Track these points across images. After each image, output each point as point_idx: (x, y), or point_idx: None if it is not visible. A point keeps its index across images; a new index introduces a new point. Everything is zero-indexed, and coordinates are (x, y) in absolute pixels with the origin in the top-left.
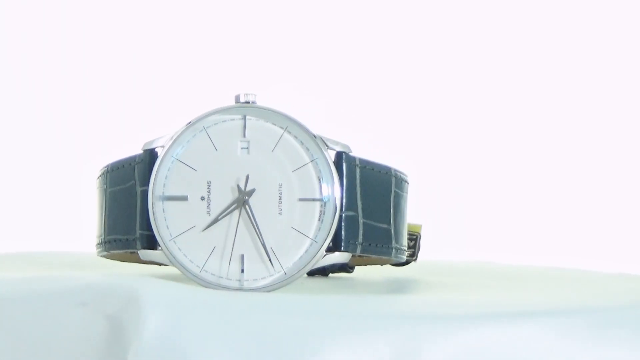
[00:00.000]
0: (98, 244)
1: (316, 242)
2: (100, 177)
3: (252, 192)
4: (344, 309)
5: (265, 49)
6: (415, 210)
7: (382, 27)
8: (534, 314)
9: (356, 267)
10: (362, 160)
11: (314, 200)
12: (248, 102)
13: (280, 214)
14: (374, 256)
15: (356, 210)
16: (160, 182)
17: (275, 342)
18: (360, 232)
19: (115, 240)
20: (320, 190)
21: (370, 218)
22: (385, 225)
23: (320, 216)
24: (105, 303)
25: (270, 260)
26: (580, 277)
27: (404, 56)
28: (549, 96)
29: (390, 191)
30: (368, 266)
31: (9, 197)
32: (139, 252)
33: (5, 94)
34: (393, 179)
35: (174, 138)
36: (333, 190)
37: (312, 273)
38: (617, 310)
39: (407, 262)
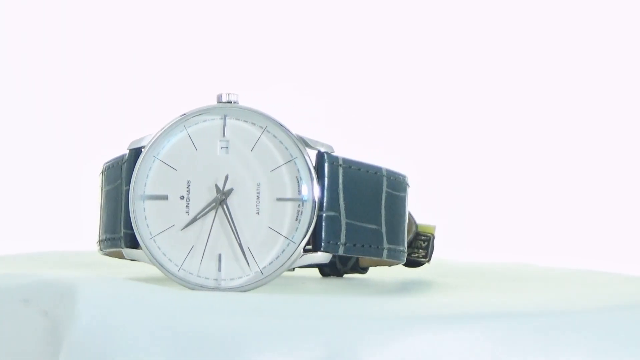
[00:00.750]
0: (96, 242)
1: (293, 242)
2: (99, 176)
3: (230, 191)
4: (279, 311)
5: (265, 48)
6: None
7: (383, 28)
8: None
9: (370, 268)
10: (346, 160)
11: (291, 200)
12: (230, 102)
13: (257, 213)
14: (365, 257)
15: (338, 211)
16: (141, 182)
17: (205, 342)
18: (343, 232)
19: (107, 239)
20: (299, 190)
21: (354, 218)
22: (373, 226)
23: (297, 216)
24: (43, 300)
25: (246, 260)
26: (579, 278)
27: (405, 57)
28: (549, 96)
29: (381, 191)
30: (386, 267)
31: (14, 198)
32: (123, 250)
33: (5, 94)
34: (384, 180)
35: (155, 138)
36: (312, 190)
37: (326, 274)
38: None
39: (420, 264)
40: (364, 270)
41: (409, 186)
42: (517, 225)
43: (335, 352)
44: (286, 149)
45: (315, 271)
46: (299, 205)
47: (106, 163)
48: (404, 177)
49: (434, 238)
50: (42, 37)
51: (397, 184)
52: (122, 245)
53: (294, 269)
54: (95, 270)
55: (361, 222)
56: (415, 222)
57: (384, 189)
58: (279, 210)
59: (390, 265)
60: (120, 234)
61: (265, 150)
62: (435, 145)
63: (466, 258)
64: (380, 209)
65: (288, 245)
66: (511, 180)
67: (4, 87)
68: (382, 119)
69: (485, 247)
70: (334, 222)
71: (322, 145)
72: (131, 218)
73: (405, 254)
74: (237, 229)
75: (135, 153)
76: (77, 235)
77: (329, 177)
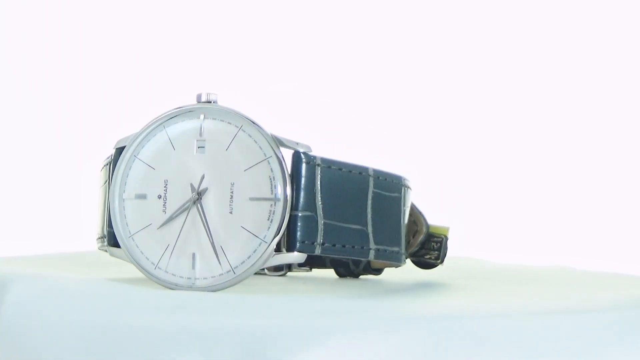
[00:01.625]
0: (96, 239)
1: (265, 241)
2: (100, 172)
3: (204, 191)
4: (205, 308)
5: (265, 49)
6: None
7: (382, 30)
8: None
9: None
10: (325, 160)
11: (263, 199)
12: (209, 102)
13: (231, 212)
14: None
15: (314, 210)
16: (122, 181)
17: (127, 340)
18: (320, 232)
19: (99, 238)
20: (272, 190)
21: (334, 218)
22: (357, 226)
23: (270, 216)
24: None
25: (218, 260)
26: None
27: (406, 58)
28: (549, 97)
29: (367, 192)
30: (401, 269)
31: (24, 199)
32: (107, 249)
33: (6, 94)
34: (371, 180)
35: (135, 137)
36: (285, 190)
37: (341, 274)
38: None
39: (432, 265)
40: (377, 271)
41: (408, 188)
42: (517, 226)
43: (252, 352)
44: (260, 148)
45: (332, 272)
46: (271, 205)
47: (105, 159)
48: (400, 178)
49: (446, 240)
50: (41, 38)
51: (387, 185)
52: (106, 243)
53: (264, 269)
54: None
55: (342, 223)
56: (426, 223)
57: (371, 189)
58: (252, 210)
59: (395, 267)
60: (104, 233)
61: (240, 149)
62: (435, 146)
63: (502, 260)
64: (366, 209)
65: (260, 244)
66: (511, 181)
67: (5, 90)
68: (391, 121)
69: (515, 249)
70: (309, 222)
71: (299, 145)
72: (111, 217)
73: (404, 255)
74: (211, 228)
75: (119, 152)
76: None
77: (305, 177)
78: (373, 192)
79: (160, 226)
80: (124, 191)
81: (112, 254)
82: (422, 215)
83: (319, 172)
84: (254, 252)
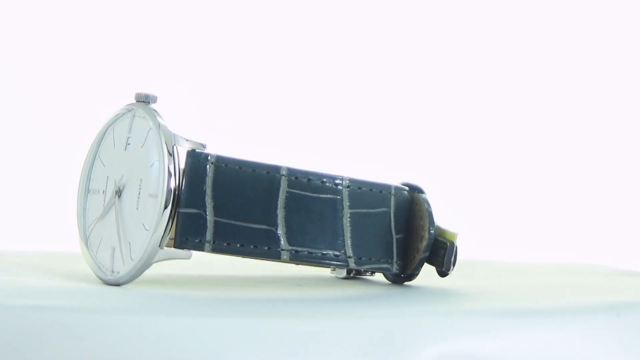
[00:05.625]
0: None
1: (155, 237)
2: None
3: (123, 187)
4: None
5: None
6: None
7: (383, 31)
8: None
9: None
10: (221, 158)
11: (157, 196)
12: (144, 101)
13: (137, 209)
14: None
15: (203, 208)
16: (86, 176)
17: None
18: (210, 230)
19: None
20: (165, 186)
21: (228, 217)
22: (262, 226)
23: (161, 212)
24: None
25: (122, 254)
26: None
27: (406, 58)
28: (549, 97)
29: (276, 191)
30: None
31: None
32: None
33: (6, 95)
34: (283, 179)
35: (96, 134)
36: (174, 187)
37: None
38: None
39: (444, 274)
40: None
41: (346, 187)
42: (518, 225)
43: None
44: (161, 145)
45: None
46: (162, 201)
47: None
48: (335, 178)
49: (452, 246)
50: (41, 37)
51: (310, 185)
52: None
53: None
54: None
55: (240, 222)
56: (429, 228)
57: (283, 188)
58: (149, 206)
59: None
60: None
61: (149, 147)
62: (435, 146)
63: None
64: (275, 209)
65: (150, 239)
66: (512, 180)
67: (5, 91)
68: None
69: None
70: (195, 219)
71: (193, 143)
72: (77, 211)
73: (352, 259)
74: (122, 224)
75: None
76: None
77: (193, 174)
78: (287, 191)
79: (97, 221)
80: (87, 186)
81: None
82: (429, 219)
83: (211, 169)
84: (147, 246)
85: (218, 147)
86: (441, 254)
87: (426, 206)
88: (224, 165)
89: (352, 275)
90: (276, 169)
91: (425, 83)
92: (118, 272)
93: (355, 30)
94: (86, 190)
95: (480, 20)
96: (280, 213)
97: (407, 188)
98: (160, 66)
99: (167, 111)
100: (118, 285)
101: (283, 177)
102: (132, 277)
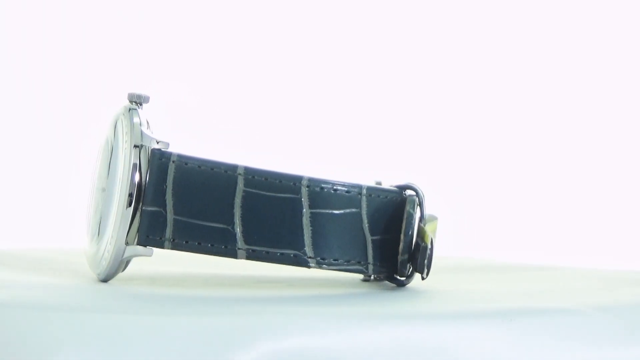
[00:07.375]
0: None
1: (119, 235)
2: None
3: (107, 185)
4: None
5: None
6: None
7: (383, 31)
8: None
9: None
10: (182, 157)
11: (123, 195)
12: (137, 102)
13: (111, 205)
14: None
15: (163, 206)
16: (99, 176)
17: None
18: (169, 228)
19: None
20: (129, 186)
21: (187, 215)
22: (220, 225)
23: (124, 209)
24: None
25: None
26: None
27: (406, 58)
28: (549, 97)
29: (233, 190)
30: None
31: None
32: None
33: (6, 95)
34: (240, 178)
35: (103, 135)
36: (135, 185)
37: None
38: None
39: (422, 278)
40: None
41: (305, 187)
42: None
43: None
44: (129, 145)
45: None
46: (125, 201)
47: None
48: (291, 178)
49: (425, 249)
50: (41, 37)
51: (267, 185)
52: None
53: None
54: None
55: (198, 220)
56: (405, 230)
57: (240, 187)
58: (120, 205)
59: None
60: None
61: (123, 147)
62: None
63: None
64: (232, 208)
65: (117, 236)
66: (511, 180)
67: (5, 92)
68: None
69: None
70: (155, 217)
71: (156, 141)
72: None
73: (313, 260)
74: (104, 221)
75: None
76: None
77: (154, 173)
78: (244, 191)
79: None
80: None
81: None
82: (407, 221)
83: (173, 168)
84: (113, 245)
85: (213, 147)
86: (417, 256)
87: (408, 207)
88: (185, 164)
89: (371, 278)
90: (233, 167)
91: (425, 83)
92: (102, 264)
93: (355, 31)
94: (99, 189)
95: (480, 20)
96: (237, 212)
97: (393, 189)
98: (160, 66)
99: (164, 110)
100: (105, 282)
101: (240, 176)
102: (106, 273)
